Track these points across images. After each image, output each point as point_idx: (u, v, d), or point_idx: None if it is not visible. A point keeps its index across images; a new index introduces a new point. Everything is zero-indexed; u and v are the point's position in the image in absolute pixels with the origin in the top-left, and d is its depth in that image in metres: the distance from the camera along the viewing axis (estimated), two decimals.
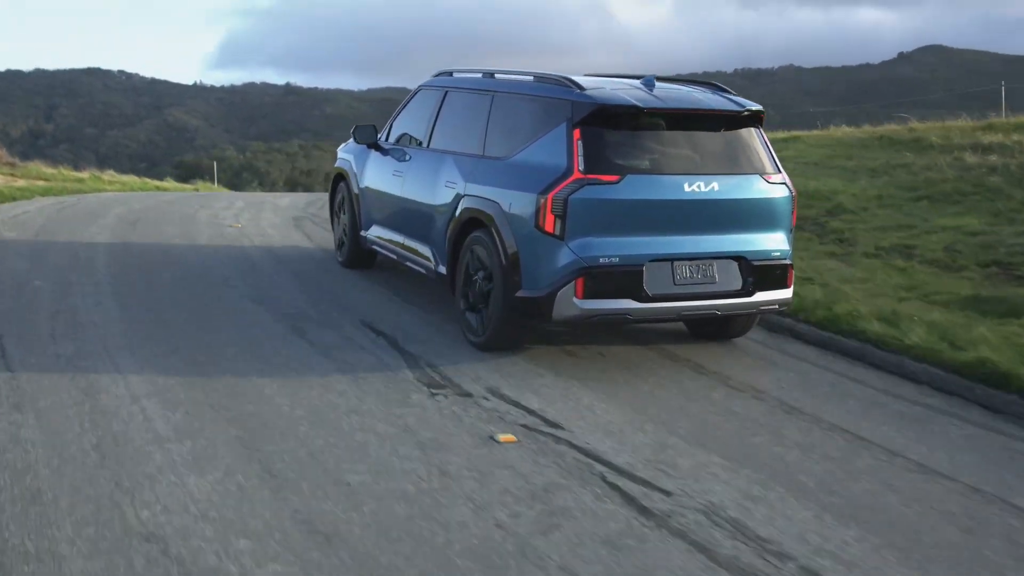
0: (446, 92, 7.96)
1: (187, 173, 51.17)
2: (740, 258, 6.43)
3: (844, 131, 20.08)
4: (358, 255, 9.22)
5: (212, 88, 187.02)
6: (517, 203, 6.30)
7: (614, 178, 6.09)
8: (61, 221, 12.76)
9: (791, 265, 6.69)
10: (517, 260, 6.25)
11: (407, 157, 8.11)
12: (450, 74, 8.26)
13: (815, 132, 20.81)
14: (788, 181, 6.74)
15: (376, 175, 8.65)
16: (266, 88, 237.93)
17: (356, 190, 9.05)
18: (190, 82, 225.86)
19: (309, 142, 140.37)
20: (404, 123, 8.54)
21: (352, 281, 8.95)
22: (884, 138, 17.56)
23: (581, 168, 6.07)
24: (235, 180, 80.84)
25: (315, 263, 9.90)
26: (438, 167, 7.42)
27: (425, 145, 7.92)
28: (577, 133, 6.14)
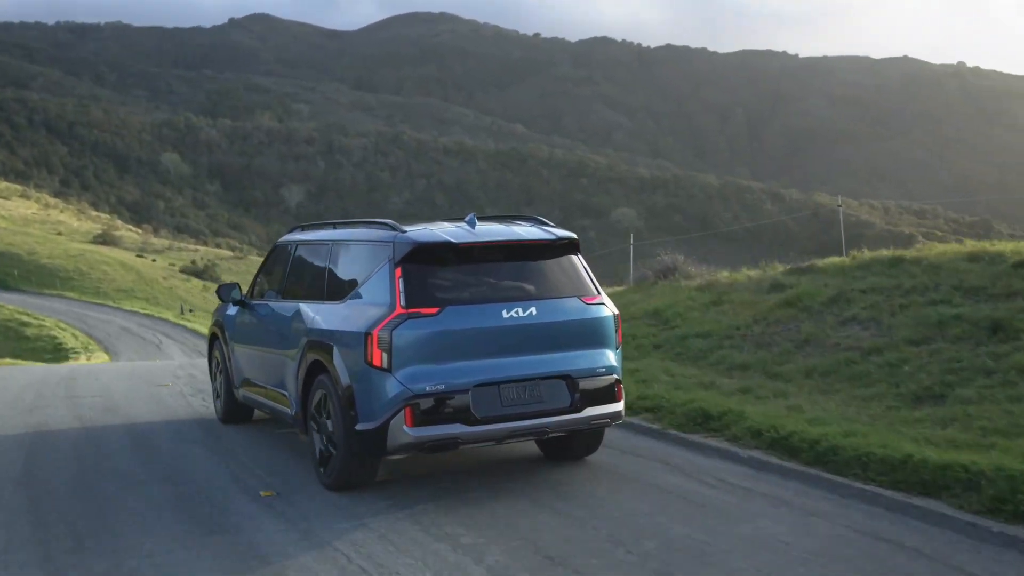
0: (296, 245, 8.38)
1: None
2: (566, 376, 6.73)
3: None
4: (234, 410, 9.48)
5: None
6: (349, 341, 6.61)
7: (434, 311, 6.42)
8: None
9: (619, 380, 7.02)
10: (352, 395, 6.52)
11: (266, 310, 8.42)
12: (302, 228, 8.81)
13: None
14: (608, 302, 7.16)
15: (241, 330, 9.01)
16: None
17: (227, 347, 9.40)
18: None
19: None
20: (264, 278, 8.90)
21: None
22: None
23: (403, 303, 6.40)
24: None
25: None
26: (289, 316, 7.74)
27: (280, 297, 8.26)
28: (399, 272, 6.51)
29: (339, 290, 7.24)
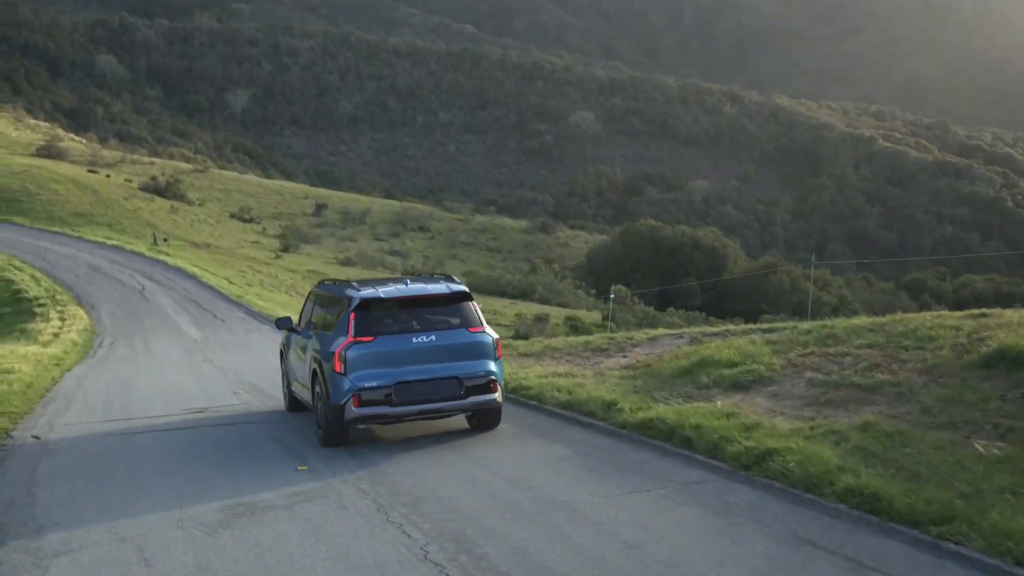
0: (315, 295, 13.09)
1: None
2: (456, 377, 10.82)
3: None
4: (295, 403, 13.63)
5: None
6: (328, 356, 10.92)
7: (370, 339, 10.73)
8: None
9: (494, 379, 11.02)
10: (328, 388, 10.83)
11: (304, 335, 12.71)
12: (321, 284, 13.44)
13: None
14: (489, 330, 11.28)
15: (292, 348, 13.46)
16: None
17: (287, 357, 13.93)
18: None
19: None
20: (304, 313, 13.37)
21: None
22: None
23: (353, 335, 10.72)
24: None
25: None
26: (309, 340, 12.20)
27: (308, 327, 12.66)
28: (352, 316, 10.84)
29: (329, 325, 11.58)
